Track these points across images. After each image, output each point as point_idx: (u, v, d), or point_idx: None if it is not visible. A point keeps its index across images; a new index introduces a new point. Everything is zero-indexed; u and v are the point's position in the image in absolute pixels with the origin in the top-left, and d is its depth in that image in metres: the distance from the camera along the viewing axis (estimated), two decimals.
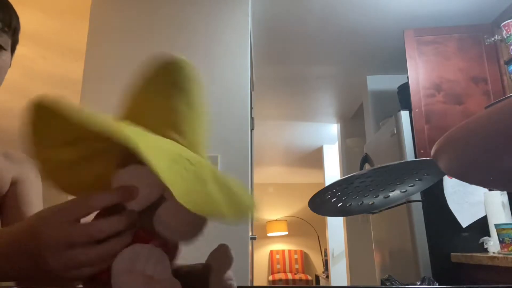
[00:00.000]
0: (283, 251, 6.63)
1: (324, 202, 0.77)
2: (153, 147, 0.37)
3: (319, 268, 6.56)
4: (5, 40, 0.71)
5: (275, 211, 6.82)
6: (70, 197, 0.44)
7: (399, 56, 2.47)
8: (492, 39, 2.19)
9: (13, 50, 0.75)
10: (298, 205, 6.74)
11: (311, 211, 0.78)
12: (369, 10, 2.28)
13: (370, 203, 0.83)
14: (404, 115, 2.16)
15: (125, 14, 1.91)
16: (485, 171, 0.47)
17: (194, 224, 0.42)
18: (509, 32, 2.05)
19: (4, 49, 0.71)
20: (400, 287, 1.11)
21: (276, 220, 6.69)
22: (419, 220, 1.96)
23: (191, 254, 0.52)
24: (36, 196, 0.81)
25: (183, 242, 0.44)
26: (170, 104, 0.45)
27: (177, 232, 0.42)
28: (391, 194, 0.82)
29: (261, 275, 6.56)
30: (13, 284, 0.46)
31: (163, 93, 0.45)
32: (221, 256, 0.46)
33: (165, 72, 0.47)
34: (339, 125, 4.19)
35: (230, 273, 0.46)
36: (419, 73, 2.23)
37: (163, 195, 0.41)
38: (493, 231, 1.80)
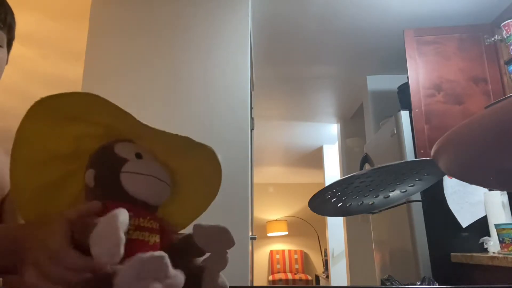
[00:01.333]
0: (283, 251, 6.63)
1: (324, 202, 0.77)
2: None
3: (319, 268, 6.56)
4: (1, 37, 0.69)
5: (275, 211, 6.82)
6: None
7: (399, 56, 2.47)
8: (492, 39, 2.19)
9: (9, 47, 0.74)
10: (298, 205, 6.74)
11: (311, 211, 0.78)
12: (369, 10, 2.28)
13: (370, 203, 0.83)
14: (404, 115, 2.16)
15: (125, 15, 1.91)
16: (485, 171, 0.47)
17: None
18: (509, 32, 2.05)
19: (0, 46, 0.70)
20: (400, 287, 1.11)
21: (276, 220, 6.69)
22: (419, 220, 1.96)
23: None
24: None
25: (153, 198, 0.47)
26: None
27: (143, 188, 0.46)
28: (391, 194, 0.82)
29: (261, 275, 6.55)
30: None
31: None
32: (216, 256, 0.46)
33: None
34: (339, 125, 4.19)
35: (221, 274, 0.47)
36: (419, 73, 2.23)
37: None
38: (493, 231, 1.80)
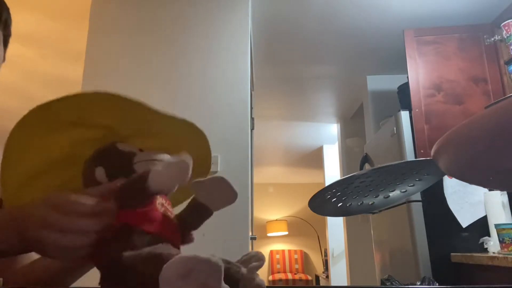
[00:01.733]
0: (283, 251, 6.63)
1: (324, 202, 0.77)
2: None
3: (319, 268, 6.56)
4: None
5: (275, 211, 6.82)
6: None
7: (399, 56, 2.47)
8: (492, 39, 2.19)
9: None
10: (298, 205, 6.74)
11: (311, 211, 0.78)
12: (369, 10, 2.28)
13: (370, 203, 0.83)
14: (404, 115, 2.16)
15: (125, 14, 1.91)
16: (485, 171, 0.47)
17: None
18: (509, 32, 2.05)
19: None
20: (400, 287, 1.11)
21: (276, 220, 6.69)
22: (419, 220, 1.96)
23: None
24: None
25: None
26: None
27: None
28: (391, 194, 0.82)
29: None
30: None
31: None
32: (253, 258, 0.48)
33: None
34: (339, 125, 4.19)
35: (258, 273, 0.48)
36: (419, 73, 2.23)
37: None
38: (493, 231, 1.80)
